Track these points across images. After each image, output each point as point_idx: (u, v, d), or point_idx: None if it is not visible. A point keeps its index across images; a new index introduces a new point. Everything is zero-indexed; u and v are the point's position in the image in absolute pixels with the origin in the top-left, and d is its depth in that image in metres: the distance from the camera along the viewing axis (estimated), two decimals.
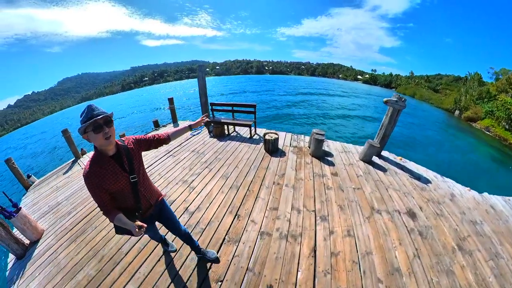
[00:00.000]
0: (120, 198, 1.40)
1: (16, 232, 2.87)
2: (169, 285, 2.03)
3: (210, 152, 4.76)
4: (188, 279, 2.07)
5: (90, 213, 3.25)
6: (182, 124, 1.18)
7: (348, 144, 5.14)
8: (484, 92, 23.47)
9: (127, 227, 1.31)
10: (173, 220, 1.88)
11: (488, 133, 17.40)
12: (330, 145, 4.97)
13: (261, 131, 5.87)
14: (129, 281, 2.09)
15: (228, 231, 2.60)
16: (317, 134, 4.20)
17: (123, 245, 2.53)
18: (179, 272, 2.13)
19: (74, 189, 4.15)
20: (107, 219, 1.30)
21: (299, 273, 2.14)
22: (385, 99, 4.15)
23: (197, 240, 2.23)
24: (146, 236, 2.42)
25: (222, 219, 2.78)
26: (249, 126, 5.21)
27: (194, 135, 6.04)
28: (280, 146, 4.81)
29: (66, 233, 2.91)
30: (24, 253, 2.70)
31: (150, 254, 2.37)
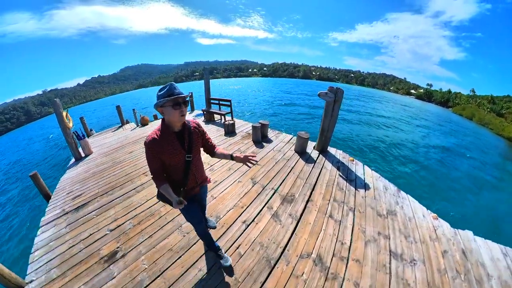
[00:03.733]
0: (171, 171, 1.50)
1: (79, 148, 5.71)
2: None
3: None
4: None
5: (119, 147, 6.00)
6: (225, 151, 1.69)
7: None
8: None
9: (170, 199, 1.42)
10: (205, 204, 2.04)
11: None
12: (280, 136, 5.73)
13: (241, 122, 7.86)
14: (123, 175, 4.50)
15: None
16: (258, 123, 5.74)
17: (127, 158, 5.04)
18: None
19: (114, 138, 7.12)
20: (153, 179, 1.45)
21: None
22: (318, 92, 4.25)
23: None
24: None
25: None
26: (224, 115, 7.27)
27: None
28: (238, 130, 6.48)
29: (103, 153, 5.66)
30: (79, 158, 5.49)
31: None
